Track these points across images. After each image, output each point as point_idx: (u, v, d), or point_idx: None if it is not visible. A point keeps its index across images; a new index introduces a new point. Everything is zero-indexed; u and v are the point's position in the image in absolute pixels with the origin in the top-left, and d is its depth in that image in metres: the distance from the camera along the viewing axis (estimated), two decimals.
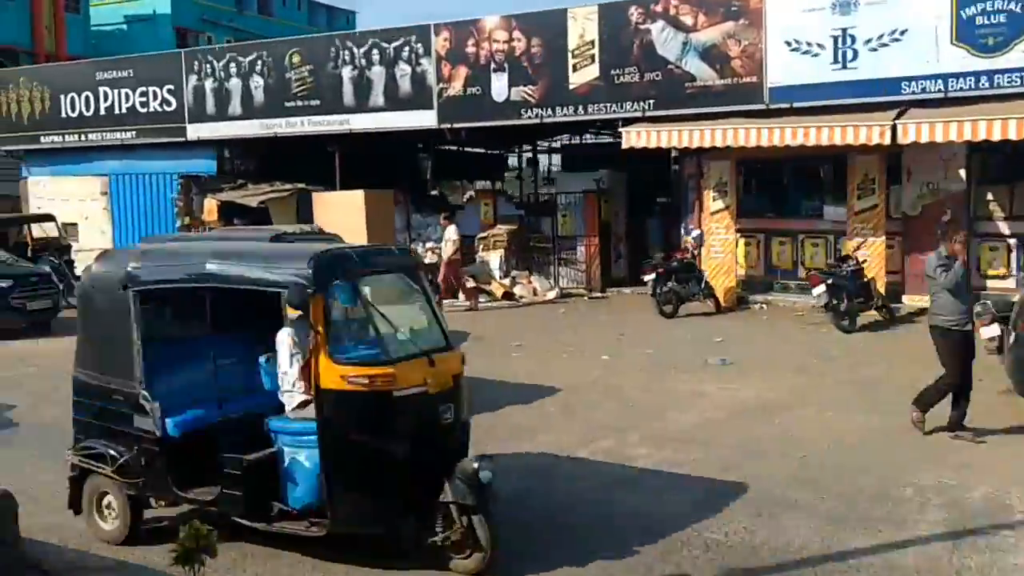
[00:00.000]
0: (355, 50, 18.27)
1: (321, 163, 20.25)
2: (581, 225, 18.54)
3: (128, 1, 47.91)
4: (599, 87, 15.82)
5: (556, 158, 26.27)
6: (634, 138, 14.96)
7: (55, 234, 19.96)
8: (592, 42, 15.79)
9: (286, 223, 19.49)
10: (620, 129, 15.30)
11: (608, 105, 15.79)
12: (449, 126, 17.60)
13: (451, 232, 16.79)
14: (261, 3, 53.60)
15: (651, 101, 15.33)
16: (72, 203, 22.32)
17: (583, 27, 15.85)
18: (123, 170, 21.82)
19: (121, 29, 48.23)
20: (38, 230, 19.78)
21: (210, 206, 19.88)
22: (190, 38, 48.38)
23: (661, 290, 14.53)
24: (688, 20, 14.89)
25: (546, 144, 24.76)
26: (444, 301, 16.68)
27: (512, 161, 26.78)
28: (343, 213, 17.44)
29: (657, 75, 15.25)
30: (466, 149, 23.61)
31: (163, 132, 20.78)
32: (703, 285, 14.92)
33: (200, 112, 20.30)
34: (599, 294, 17.96)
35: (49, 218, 20.11)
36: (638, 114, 15.45)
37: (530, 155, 25.35)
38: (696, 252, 15.37)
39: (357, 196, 17.96)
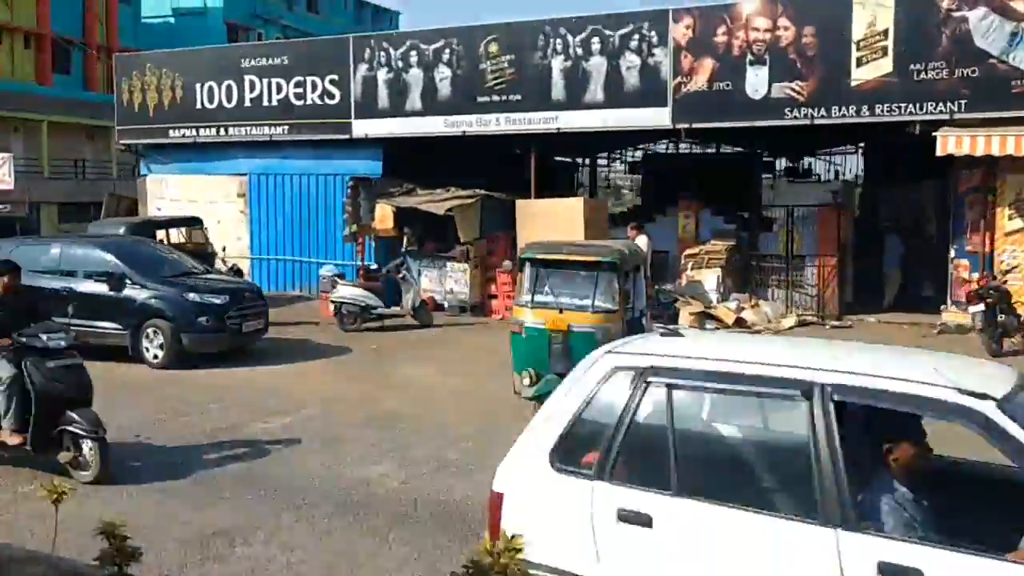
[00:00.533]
0: (569, 38, 16.15)
1: (483, 165, 18.23)
2: (812, 243, 16.51)
3: None
4: (891, 84, 13.82)
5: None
6: (952, 145, 12.95)
7: (200, 240, 17.66)
8: (885, 32, 13.79)
9: (469, 232, 17.42)
10: (934, 134, 13.21)
11: (903, 106, 13.78)
12: (687, 125, 15.50)
13: (641, 244, 14.69)
14: (310, 2, 51.30)
15: (962, 101, 13.34)
16: (201, 205, 19.95)
17: (873, 14, 13.85)
18: (266, 169, 19.50)
19: (168, 22, 45.75)
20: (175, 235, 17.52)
21: (383, 213, 17.63)
22: (240, 34, 46.06)
23: (989, 323, 12.51)
24: (1021, 7, 12.92)
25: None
26: None
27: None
28: (557, 222, 15.34)
29: (973, 71, 13.26)
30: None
31: (321, 128, 18.54)
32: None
33: (369, 106, 18.07)
34: (836, 322, 15.88)
35: (196, 222, 17.81)
36: (943, 116, 13.44)
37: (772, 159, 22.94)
38: (997, 278, 13.42)
39: (575, 204, 15.87)
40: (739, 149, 23.65)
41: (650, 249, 14.88)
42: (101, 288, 12.39)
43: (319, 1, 52.14)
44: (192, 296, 12.32)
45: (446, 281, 17.62)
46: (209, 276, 13.54)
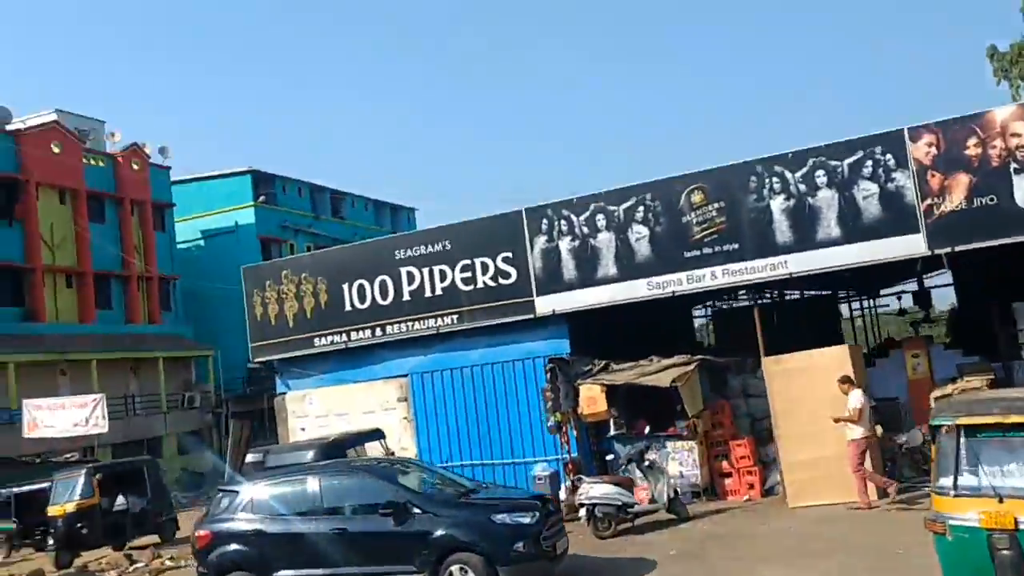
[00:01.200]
0: (787, 175, 14.78)
1: (654, 331, 16.49)
2: None
3: (206, 216, 44.76)
4: None
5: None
6: None
7: (382, 454, 15.35)
8: None
9: (695, 404, 15.35)
10: None
11: None
12: (949, 250, 13.88)
13: (856, 399, 12.73)
14: (334, 208, 51.04)
15: None
16: (354, 417, 17.73)
17: None
18: (431, 366, 17.45)
19: (199, 245, 44.88)
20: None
21: (591, 394, 15.54)
22: (272, 246, 45.25)
23: None
24: None
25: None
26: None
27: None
28: (816, 377, 13.39)
29: None
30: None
31: (498, 311, 16.72)
32: None
33: (552, 280, 16.37)
34: None
35: (379, 435, 15.55)
36: None
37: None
38: None
39: (840, 354, 13.94)
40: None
41: (867, 403, 12.96)
42: (384, 524, 9.98)
43: (343, 208, 51.87)
44: (501, 518, 9.93)
45: (669, 463, 15.33)
46: (492, 490, 11.20)
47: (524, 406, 16.57)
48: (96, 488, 17.53)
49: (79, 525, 17.13)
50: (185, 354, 40.13)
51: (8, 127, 34.89)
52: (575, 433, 15.95)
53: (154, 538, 18.76)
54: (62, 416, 22.84)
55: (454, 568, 9.76)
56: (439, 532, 9.87)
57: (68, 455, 27.98)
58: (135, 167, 40.00)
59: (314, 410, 18.37)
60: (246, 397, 41.71)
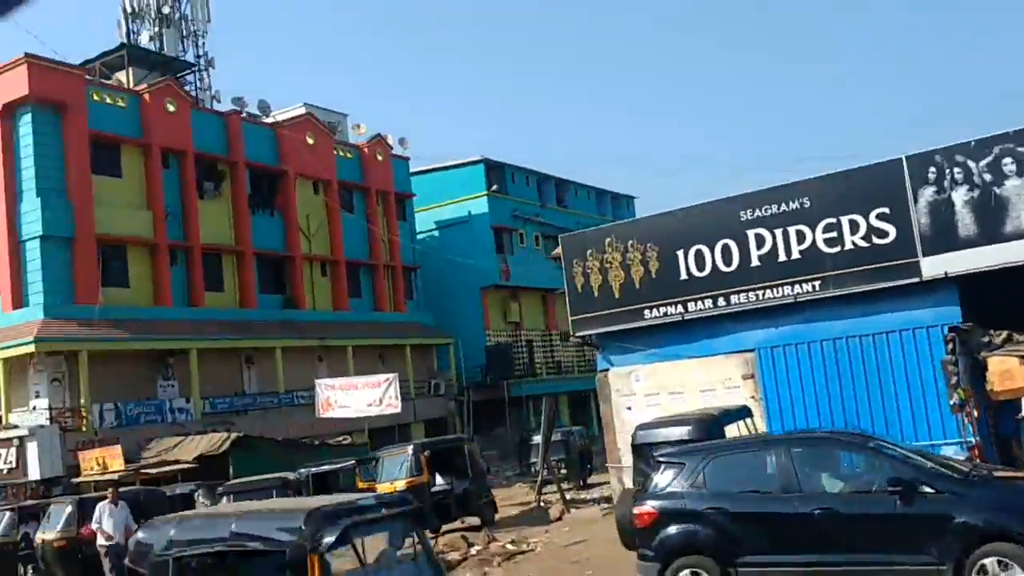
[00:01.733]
0: None
1: None
2: None
3: (440, 207, 44.81)
4: None
5: None
6: None
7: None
8: None
9: None
10: None
11: None
12: None
13: None
14: (559, 197, 50.15)
15: None
16: (690, 395, 16.09)
17: None
18: (781, 339, 15.58)
19: (433, 236, 44.96)
20: None
21: (1006, 367, 13.13)
22: (504, 236, 44.77)
23: None
24: None
25: None
26: None
27: None
28: None
29: None
30: None
31: (870, 275, 14.64)
32: None
33: (943, 237, 14.14)
34: None
35: (746, 413, 13.83)
36: None
37: None
38: None
39: None
40: None
41: None
42: (885, 504, 8.23)
43: (566, 196, 50.91)
44: None
45: None
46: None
47: (904, 384, 14.40)
48: (425, 466, 16.83)
49: None
50: (430, 342, 40.22)
51: (266, 120, 35.91)
52: (976, 413, 13.64)
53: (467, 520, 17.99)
54: (356, 396, 22.67)
55: (988, 561, 7.86)
56: (964, 516, 8.00)
57: (340, 438, 28.16)
58: (379, 158, 40.51)
59: (641, 388, 16.92)
60: (486, 385, 41.38)
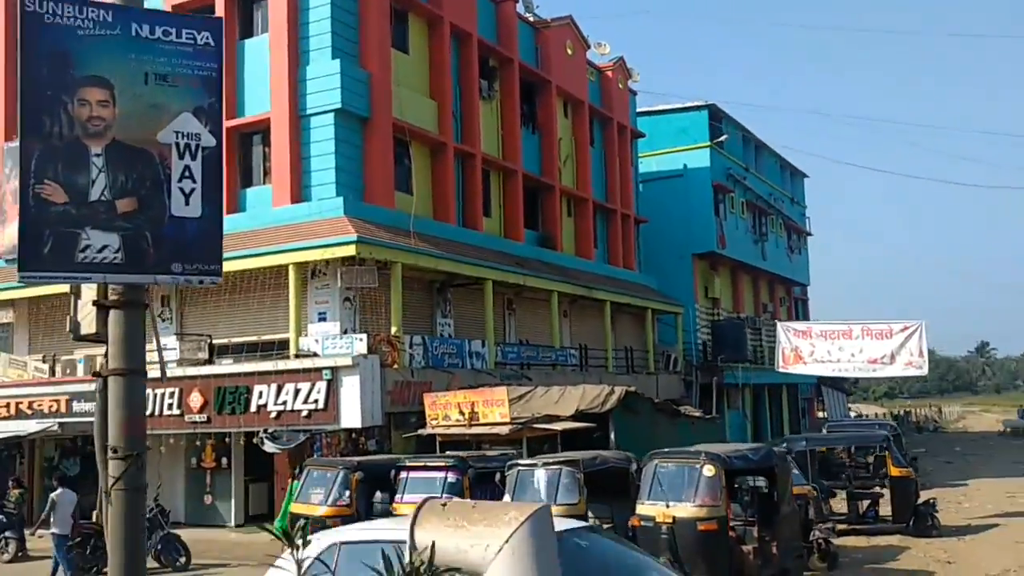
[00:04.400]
0: None
1: None
2: None
3: (651, 156, 38.71)
4: None
5: None
6: None
7: None
8: None
9: None
10: None
11: None
12: None
13: None
14: (756, 160, 44.50)
15: None
16: None
17: None
18: None
19: (637, 190, 38.74)
20: None
21: None
22: (720, 198, 38.95)
23: None
24: None
25: None
26: None
27: None
28: None
29: None
30: None
31: None
32: None
33: None
34: None
35: None
36: None
37: None
38: None
39: None
40: None
41: None
42: None
43: (761, 164, 45.17)
44: None
45: None
46: None
47: None
48: None
49: None
50: (669, 308, 34.01)
51: (528, 17, 29.44)
52: None
53: None
54: (849, 348, 16.52)
55: None
56: None
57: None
58: (620, 86, 34.26)
59: None
60: (710, 364, 35.41)
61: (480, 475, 13.18)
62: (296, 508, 13.52)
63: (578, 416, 18.09)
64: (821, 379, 39.46)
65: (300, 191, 21.13)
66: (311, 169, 21.15)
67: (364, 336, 18.67)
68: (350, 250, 18.98)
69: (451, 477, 12.29)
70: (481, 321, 24.29)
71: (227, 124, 21.94)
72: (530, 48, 28.85)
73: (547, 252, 28.31)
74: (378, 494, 13.26)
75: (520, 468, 12.34)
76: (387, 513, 12.11)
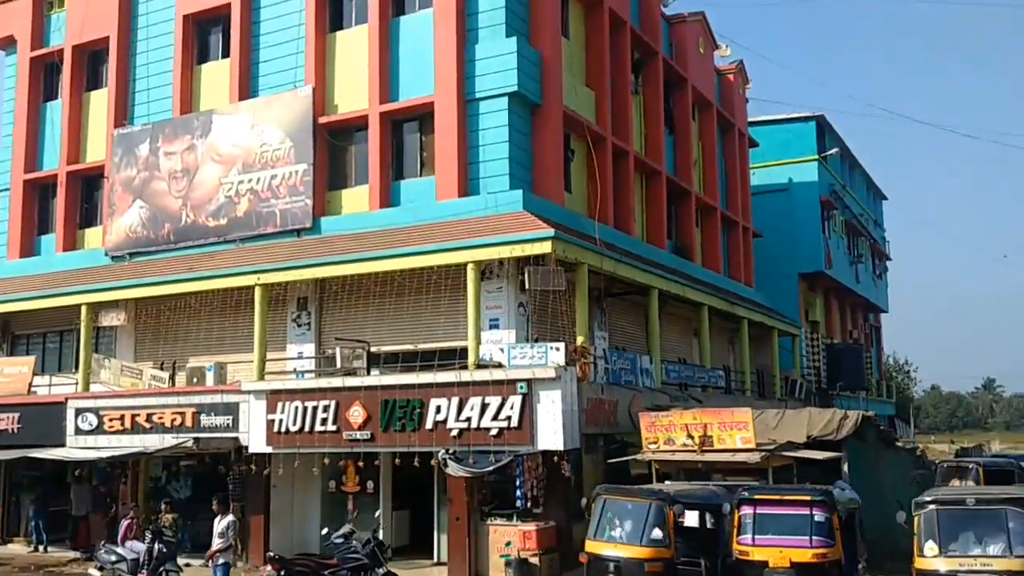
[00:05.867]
0: None
1: None
2: None
3: (766, 167, 36.55)
4: None
5: None
6: None
7: None
8: None
9: None
10: None
11: None
12: None
13: None
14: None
15: None
16: None
17: None
18: None
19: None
20: None
21: None
22: (827, 215, 36.80)
23: None
24: None
25: None
26: None
27: None
28: None
29: None
30: None
31: None
32: None
33: None
34: None
35: None
36: None
37: None
38: None
39: None
40: None
41: None
42: None
43: (853, 179, 43.11)
44: None
45: None
46: None
47: None
48: None
49: None
50: (790, 329, 31.67)
51: (664, 11, 27.31)
52: None
53: None
54: None
55: None
56: None
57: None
58: (740, 91, 32.17)
59: None
60: (825, 391, 33.09)
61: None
62: (593, 547, 11.11)
63: (810, 443, 15.80)
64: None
65: (466, 182, 18.82)
66: (479, 160, 18.86)
67: (562, 345, 16.27)
68: (543, 247, 16.66)
69: (818, 515, 9.94)
70: (634, 335, 21.99)
71: (379, 110, 19.78)
72: (667, 43, 26.76)
73: (686, 263, 26.04)
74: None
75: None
76: None
